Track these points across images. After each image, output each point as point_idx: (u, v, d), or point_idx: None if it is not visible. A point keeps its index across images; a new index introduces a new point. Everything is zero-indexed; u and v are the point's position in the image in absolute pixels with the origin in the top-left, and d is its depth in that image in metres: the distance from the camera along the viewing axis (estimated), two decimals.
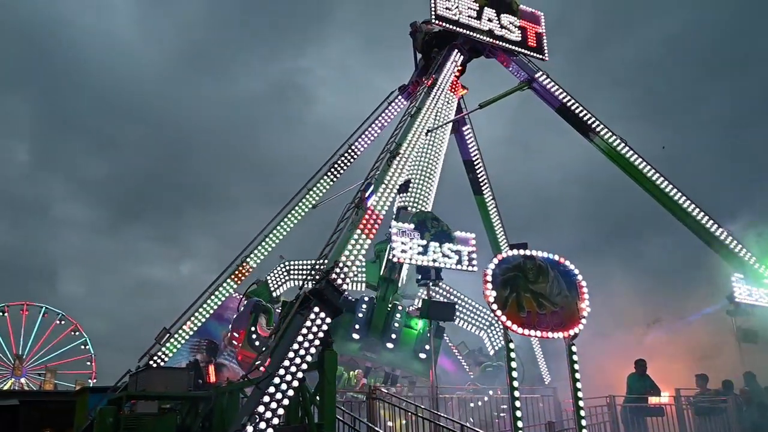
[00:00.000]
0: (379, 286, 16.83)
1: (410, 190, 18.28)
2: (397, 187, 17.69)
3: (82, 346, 46.78)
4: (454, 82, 19.67)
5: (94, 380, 43.61)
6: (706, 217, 17.64)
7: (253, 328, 16.59)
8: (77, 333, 46.89)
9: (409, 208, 17.74)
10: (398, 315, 15.96)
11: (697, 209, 17.69)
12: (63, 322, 46.73)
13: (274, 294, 19.26)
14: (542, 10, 20.68)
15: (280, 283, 19.60)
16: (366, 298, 16.44)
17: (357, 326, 15.67)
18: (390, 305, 16.34)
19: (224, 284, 17.12)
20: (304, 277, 11.19)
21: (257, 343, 15.53)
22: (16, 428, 21.04)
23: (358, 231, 11.46)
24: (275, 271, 19.52)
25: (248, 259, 17.28)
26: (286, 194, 18.60)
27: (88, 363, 46.38)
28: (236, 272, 17.25)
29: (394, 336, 15.63)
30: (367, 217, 11.83)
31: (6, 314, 45.90)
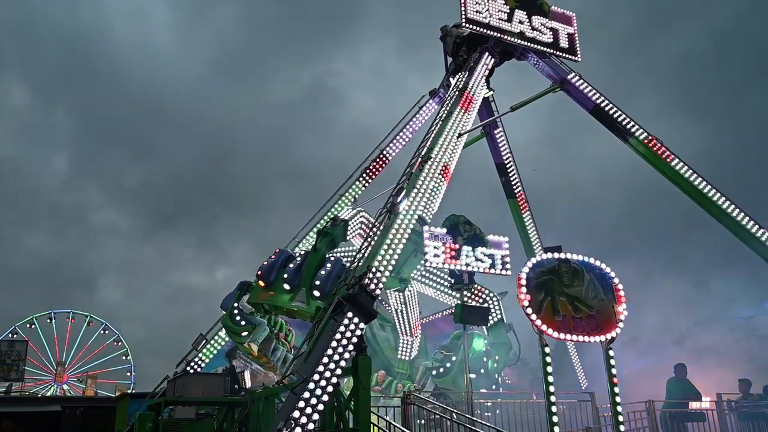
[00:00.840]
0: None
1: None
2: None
3: (123, 357, 47.80)
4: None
5: (133, 384, 44.53)
6: (746, 217, 17.20)
7: (236, 304, 16.02)
8: (119, 343, 47.92)
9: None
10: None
11: (736, 209, 17.26)
12: (106, 332, 47.85)
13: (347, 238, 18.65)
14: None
15: (355, 231, 18.56)
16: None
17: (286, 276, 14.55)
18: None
19: None
20: (341, 282, 11.19)
21: (238, 318, 15.15)
22: None
23: (390, 236, 11.47)
24: (356, 219, 18.60)
25: None
26: (319, 199, 18.68)
27: (128, 374, 47.36)
28: None
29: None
30: (399, 221, 11.84)
31: (52, 321, 47.23)
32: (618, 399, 9.82)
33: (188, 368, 15.29)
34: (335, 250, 15.18)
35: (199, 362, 15.90)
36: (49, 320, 47.03)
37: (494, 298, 17.42)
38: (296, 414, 8.50)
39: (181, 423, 10.57)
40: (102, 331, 47.77)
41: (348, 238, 17.28)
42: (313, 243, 14.03)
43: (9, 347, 39.97)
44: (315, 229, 17.95)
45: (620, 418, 9.68)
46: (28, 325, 46.04)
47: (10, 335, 44.19)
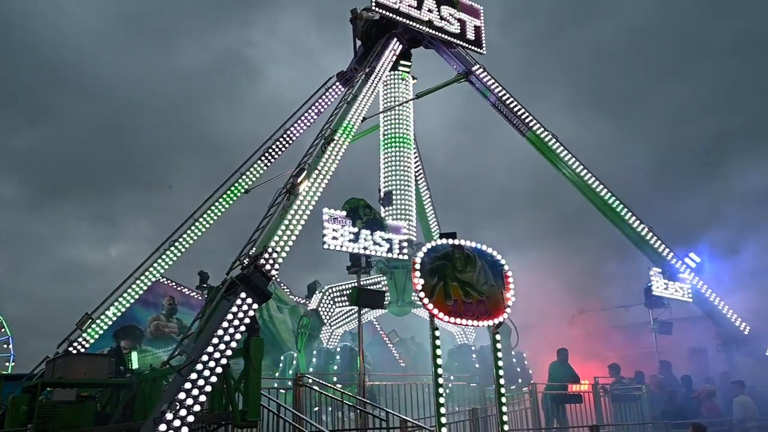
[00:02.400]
0: None
1: (394, 202, 18.53)
2: (381, 195, 17.99)
3: (5, 345, 44.72)
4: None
5: (12, 364, 41.87)
6: (629, 213, 18.37)
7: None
8: (2, 330, 44.75)
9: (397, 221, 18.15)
10: None
11: (621, 204, 18.39)
12: None
13: (325, 321, 18.98)
14: None
15: (328, 311, 19.13)
16: None
17: None
18: None
19: (151, 269, 16.66)
20: (234, 262, 10.99)
21: None
22: None
23: (289, 217, 11.36)
24: (321, 300, 18.92)
25: (177, 243, 16.86)
26: (226, 175, 18.22)
27: (6, 346, 44.38)
28: (164, 256, 16.81)
29: None
30: (299, 202, 11.75)
31: None
32: (502, 381, 10.22)
33: (70, 348, 14.59)
34: None
35: (84, 342, 15.18)
36: None
37: None
38: (182, 396, 8.28)
39: (59, 406, 10.06)
40: None
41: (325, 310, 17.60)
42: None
43: None
44: (213, 208, 17.53)
45: (503, 399, 10.08)
46: None
47: None
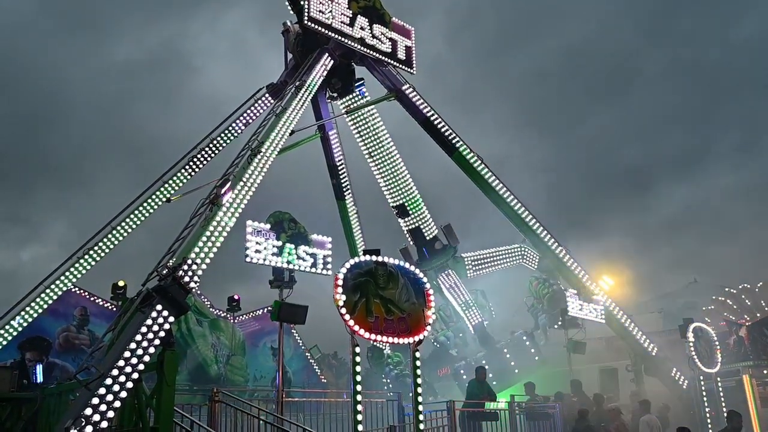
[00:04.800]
0: None
1: (409, 213, 19.53)
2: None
3: None
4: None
5: None
6: (552, 239, 19.04)
7: None
8: None
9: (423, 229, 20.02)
10: None
11: (542, 228, 19.03)
12: None
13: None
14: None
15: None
16: None
17: None
18: None
19: (62, 277, 15.91)
20: (151, 273, 10.64)
21: None
22: None
23: (211, 228, 11.12)
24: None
25: (91, 252, 16.19)
26: (154, 177, 17.64)
27: None
28: (77, 264, 16.10)
29: None
30: (221, 214, 11.52)
31: None
32: (420, 399, 10.30)
33: None
34: None
35: None
36: None
37: (525, 247, 21.16)
38: (88, 411, 7.91)
39: None
40: None
41: None
42: None
43: None
44: (133, 216, 16.95)
45: (420, 417, 10.15)
46: None
47: None
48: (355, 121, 20.68)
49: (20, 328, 15.19)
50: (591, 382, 18.84)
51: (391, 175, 20.28)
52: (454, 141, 19.44)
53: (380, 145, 20.56)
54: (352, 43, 19.35)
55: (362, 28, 19.59)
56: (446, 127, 19.60)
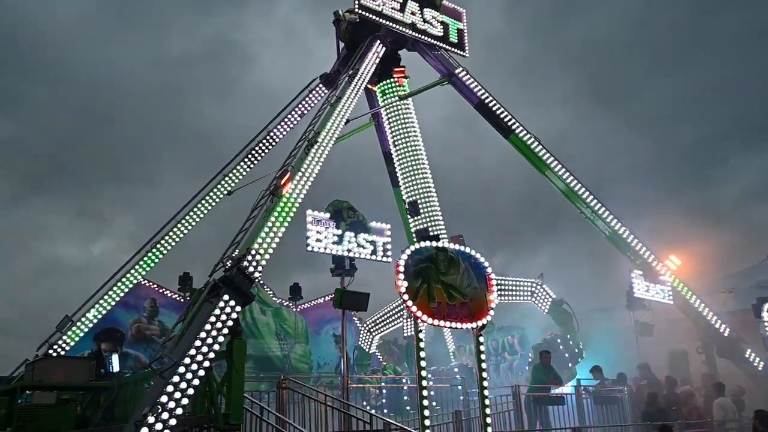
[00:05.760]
0: None
1: (421, 211, 18.65)
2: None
3: None
4: (398, 72, 19.89)
5: None
6: (611, 216, 18.55)
7: None
8: None
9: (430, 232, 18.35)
10: None
11: (603, 208, 18.56)
12: None
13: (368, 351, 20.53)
14: None
15: (370, 343, 20.73)
16: None
17: None
18: None
19: (132, 270, 16.51)
20: (217, 264, 10.92)
21: None
22: None
23: (272, 219, 11.31)
24: (362, 337, 20.61)
25: (158, 245, 16.72)
26: (216, 167, 18.09)
27: None
28: (146, 258, 16.67)
29: None
30: (282, 204, 11.70)
31: None
32: (485, 383, 10.25)
33: (50, 351, 14.43)
34: None
35: (64, 345, 15.03)
36: None
37: (538, 284, 18.73)
38: (164, 398, 8.21)
39: (38, 409, 9.95)
40: None
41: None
42: None
43: None
44: (196, 209, 17.38)
45: (486, 402, 10.11)
46: None
47: None
48: (387, 109, 20.23)
49: (95, 320, 15.86)
50: (659, 364, 18.30)
51: (411, 170, 19.59)
52: (510, 123, 19.16)
53: (407, 136, 19.75)
54: (403, 29, 19.28)
55: (413, 13, 19.48)
56: (502, 109, 19.32)
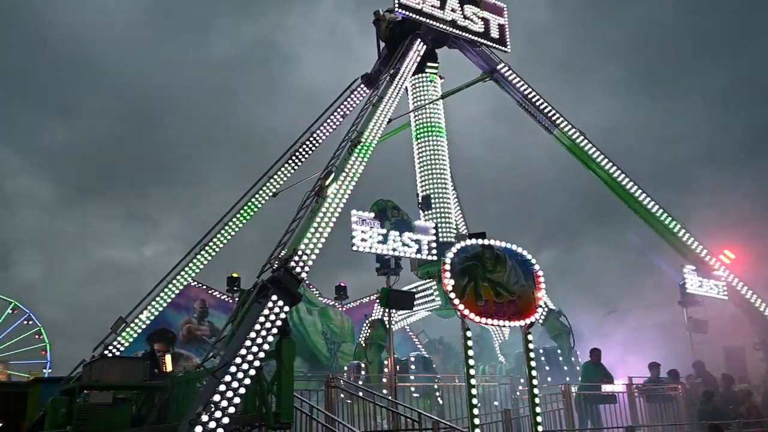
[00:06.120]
0: None
1: (433, 206, 18.40)
2: (419, 200, 17.97)
3: (37, 336, 45.64)
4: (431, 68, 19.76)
5: (49, 371, 42.64)
6: (660, 210, 18.10)
7: None
8: (30, 323, 45.69)
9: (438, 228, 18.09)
10: None
11: (652, 202, 18.13)
12: (16, 312, 45.47)
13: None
14: None
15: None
16: None
17: None
18: None
19: (182, 273, 16.87)
20: (264, 265, 11.08)
21: None
22: None
23: (318, 219, 11.41)
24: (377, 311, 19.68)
25: (207, 247, 17.05)
26: (260, 168, 18.31)
27: (43, 353, 45.31)
28: (195, 260, 17.02)
29: None
30: (327, 205, 11.79)
31: None
32: (535, 382, 10.14)
33: (106, 352, 14.84)
34: None
35: (118, 345, 15.45)
36: None
37: None
38: (217, 398, 8.37)
39: (96, 408, 10.25)
40: (11, 311, 45.41)
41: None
42: None
43: None
44: (243, 212, 17.66)
45: (536, 401, 10.00)
46: None
47: None
48: (414, 102, 20.10)
49: (148, 321, 16.26)
50: (714, 361, 17.79)
51: (429, 164, 19.14)
52: (554, 117, 18.90)
53: (430, 130, 19.45)
54: (444, 26, 19.20)
55: (453, 10, 19.39)
56: (545, 104, 19.07)
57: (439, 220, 18.02)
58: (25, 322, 45.28)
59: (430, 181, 18.97)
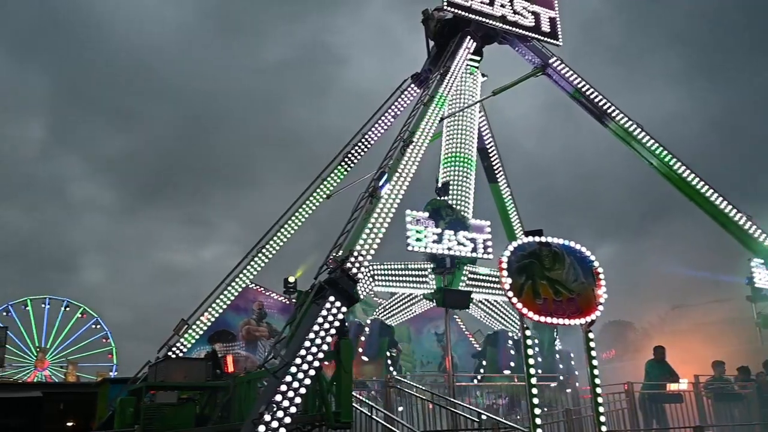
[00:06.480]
0: None
1: (450, 192, 18.29)
2: (439, 185, 17.80)
3: (104, 339, 47.50)
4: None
5: (115, 373, 44.23)
6: (725, 202, 17.43)
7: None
8: (98, 326, 47.55)
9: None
10: None
11: (715, 194, 17.48)
12: (85, 316, 47.41)
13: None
14: None
15: (367, 287, 18.78)
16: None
17: None
18: None
19: (241, 275, 17.20)
20: (321, 266, 11.19)
21: None
22: (39, 419, 21.49)
23: (372, 220, 11.46)
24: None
25: (263, 250, 17.33)
26: (314, 169, 18.49)
27: (109, 356, 47.09)
28: (252, 262, 17.32)
29: None
30: (381, 205, 11.82)
31: (28, 308, 46.70)
32: (597, 381, 9.93)
33: (170, 353, 15.26)
34: None
35: (181, 347, 15.87)
36: (24, 306, 46.48)
37: None
38: (278, 397, 8.50)
39: (162, 408, 10.56)
40: (80, 315, 47.37)
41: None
42: None
43: None
44: (297, 215, 17.87)
45: (599, 400, 9.79)
46: (4, 313, 45.52)
47: None
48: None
49: (208, 323, 16.66)
50: None
51: (454, 152, 18.91)
52: (608, 109, 18.45)
53: (461, 122, 19.22)
54: (493, 23, 19.00)
55: (503, 6, 19.17)
56: (599, 96, 18.65)
57: (455, 205, 17.86)
58: (93, 326, 47.21)
59: (452, 169, 18.81)
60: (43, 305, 47.24)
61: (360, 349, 16.42)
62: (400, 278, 16.57)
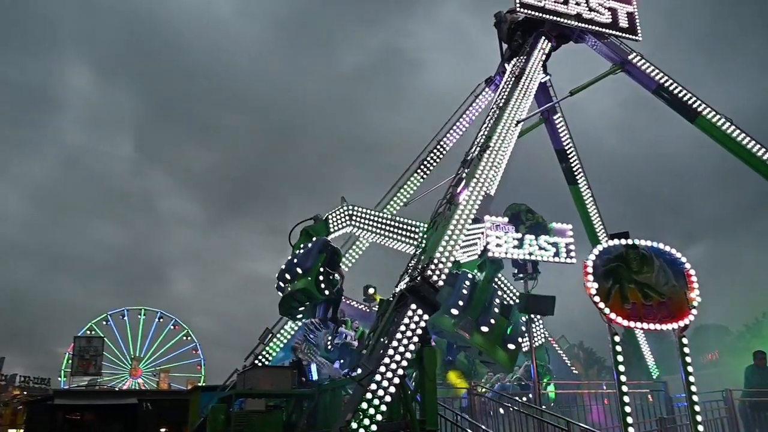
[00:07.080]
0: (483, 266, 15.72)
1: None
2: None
3: (193, 351, 49.49)
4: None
5: (203, 383, 45.92)
6: None
7: (321, 269, 14.49)
8: (188, 338, 49.57)
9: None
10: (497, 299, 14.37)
11: None
12: (177, 327, 49.57)
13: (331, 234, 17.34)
14: None
15: (339, 225, 17.30)
16: (469, 275, 13.83)
17: (460, 302, 12.96)
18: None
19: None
20: (402, 274, 11.22)
21: (323, 286, 14.16)
22: (134, 425, 22.60)
23: (451, 227, 11.40)
24: (337, 212, 17.30)
25: (344, 258, 17.51)
26: (391, 175, 18.55)
27: (198, 368, 48.99)
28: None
29: (492, 321, 13.86)
30: (460, 212, 11.75)
31: (125, 318, 49.28)
32: (694, 388, 9.49)
33: (256, 361, 15.66)
34: None
35: (267, 356, 16.26)
36: (121, 316, 49.06)
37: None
38: (364, 405, 8.58)
39: (251, 415, 10.88)
40: (172, 326, 49.50)
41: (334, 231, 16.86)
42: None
43: (87, 343, 41.99)
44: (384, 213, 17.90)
45: (697, 408, 9.35)
46: (103, 322, 48.15)
47: (87, 332, 46.34)
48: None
49: (292, 332, 16.99)
50: None
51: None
52: (695, 105, 17.65)
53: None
54: (568, 21, 18.57)
55: (577, 3, 18.70)
56: (684, 91, 17.88)
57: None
58: (184, 338, 49.25)
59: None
60: (138, 316, 49.71)
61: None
62: None
